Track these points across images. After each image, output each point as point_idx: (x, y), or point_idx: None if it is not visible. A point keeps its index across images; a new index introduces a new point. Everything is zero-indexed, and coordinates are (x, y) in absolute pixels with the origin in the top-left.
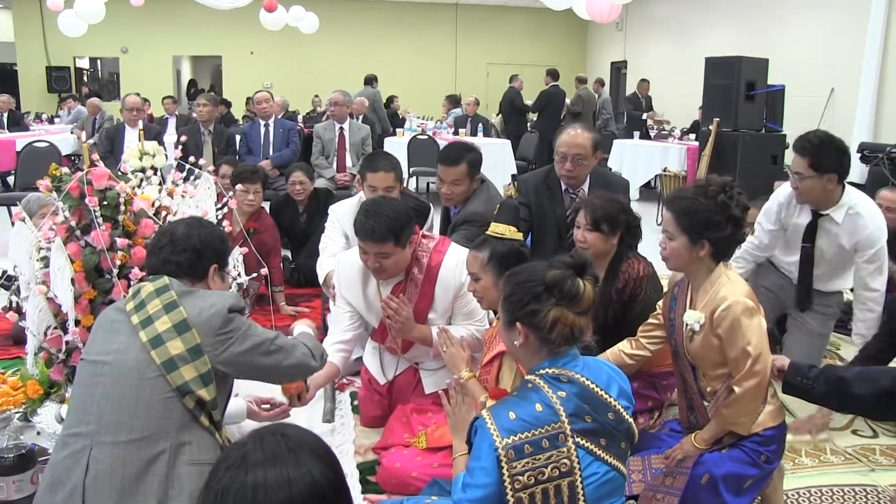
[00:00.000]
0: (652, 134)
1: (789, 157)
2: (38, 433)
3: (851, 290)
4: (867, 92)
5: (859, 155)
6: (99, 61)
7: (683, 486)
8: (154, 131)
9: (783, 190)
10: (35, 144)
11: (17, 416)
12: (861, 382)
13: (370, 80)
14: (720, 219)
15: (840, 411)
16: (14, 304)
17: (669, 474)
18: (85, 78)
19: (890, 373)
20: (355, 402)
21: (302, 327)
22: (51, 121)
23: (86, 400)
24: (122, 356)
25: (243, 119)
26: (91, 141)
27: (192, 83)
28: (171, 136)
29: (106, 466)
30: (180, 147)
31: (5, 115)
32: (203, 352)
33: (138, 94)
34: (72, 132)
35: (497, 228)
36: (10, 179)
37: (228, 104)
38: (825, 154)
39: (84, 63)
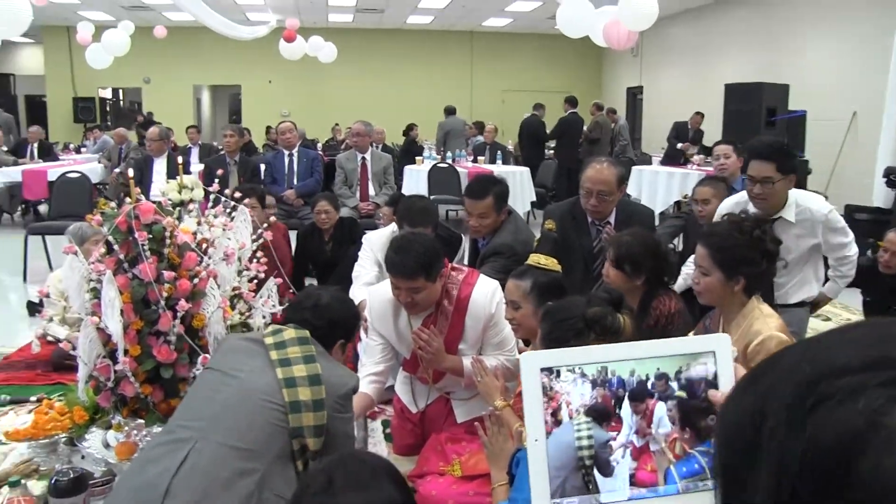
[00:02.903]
0: (690, 167)
1: (812, 182)
2: (83, 457)
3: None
4: (891, 115)
5: (885, 179)
6: (121, 91)
7: None
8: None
9: (727, 203)
10: (68, 175)
11: (63, 440)
12: None
13: (453, 111)
14: (755, 254)
15: None
16: (47, 333)
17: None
18: (107, 108)
19: None
20: (387, 431)
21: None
22: (77, 150)
23: (205, 401)
24: (253, 376)
25: (263, 148)
26: (118, 170)
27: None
28: (195, 165)
29: (204, 461)
30: (216, 180)
31: (35, 145)
32: (324, 407)
33: (159, 125)
34: (98, 161)
35: (538, 258)
36: (41, 208)
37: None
38: (787, 156)
39: (107, 93)
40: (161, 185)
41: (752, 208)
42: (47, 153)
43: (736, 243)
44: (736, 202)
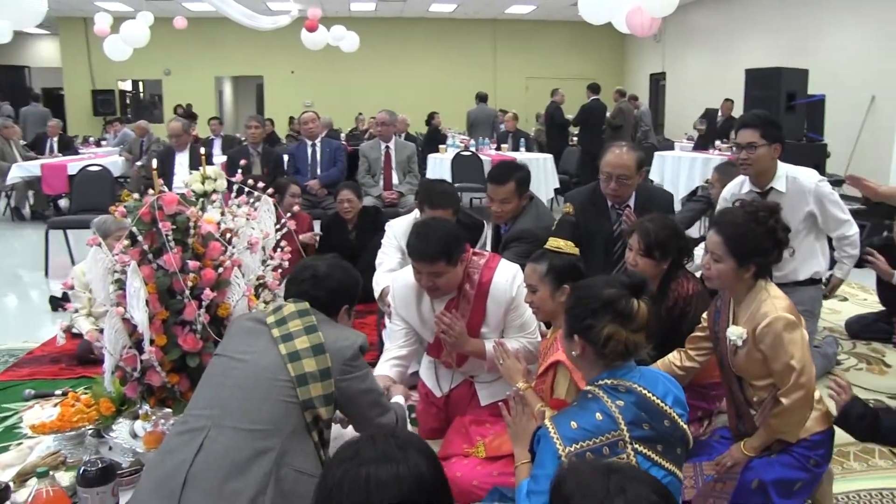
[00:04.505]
0: (713, 153)
1: (831, 166)
2: (111, 448)
3: (826, 282)
4: None
5: None
6: (141, 83)
7: (732, 490)
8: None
9: (730, 186)
10: (88, 168)
11: (90, 432)
12: None
13: (484, 98)
14: (769, 244)
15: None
16: (73, 326)
17: (720, 480)
18: (127, 100)
19: None
20: (413, 415)
21: (398, 397)
22: (98, 144)
23: (216, 388)
24: (259, 357)
25: (287, 139)
26: (139, 163)
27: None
28: (218, 157)
29: (220, 447)
30: (239, 171)
31: (55, 139)
32: (331, 375)
33: (180, 119)
34: (120, 154)
35: (556, 243)
36: (62, 202)
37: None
38: (771, 125)
39: (127, 85)
40: (184, 176)
41: (747, 186)
42: (67, 147)
43: (751, 233)
44: (735, 182)
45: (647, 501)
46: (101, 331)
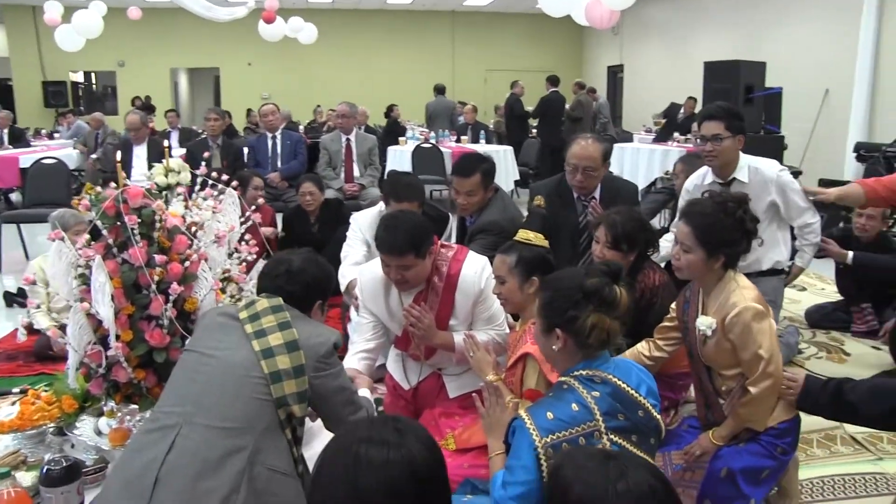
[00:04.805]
0: (671, 144)
1: (788, 157)
2: (73, 446)
3: (787, 270)
4: (861, 92)
5: (855, 154)
6: (94, 74)
7: (702, 481)
8: (161, 146)
9: (693, 178)
10: (43, 161)
11: (51, 430)
12: (869, 404)
13: (442, 90)
14: (738, 235)
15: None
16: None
17: (689, 469)
18: (80, 92)
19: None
20: (380, 409)
21: (364, 391)
22: (50, 136)
23: (188, 384)
24: (231, 353)
25: (244, 131)
26: (94, 156)
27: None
28: (176, 149)
29: (192, 445)
30: (203, 163)
31: (6, 131)
32: (305, 372)
33: (138, 112)
34: (74, 147)
35: (525, 234)
36: (13, 196)
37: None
38: (735, 117)
39: (79, 77)
40: (142, 170)
41: (710, 177)
42: (18, 139)
43: (720, 223)
44: (697, 174)
45: (646, 485)
46: (63, 327)
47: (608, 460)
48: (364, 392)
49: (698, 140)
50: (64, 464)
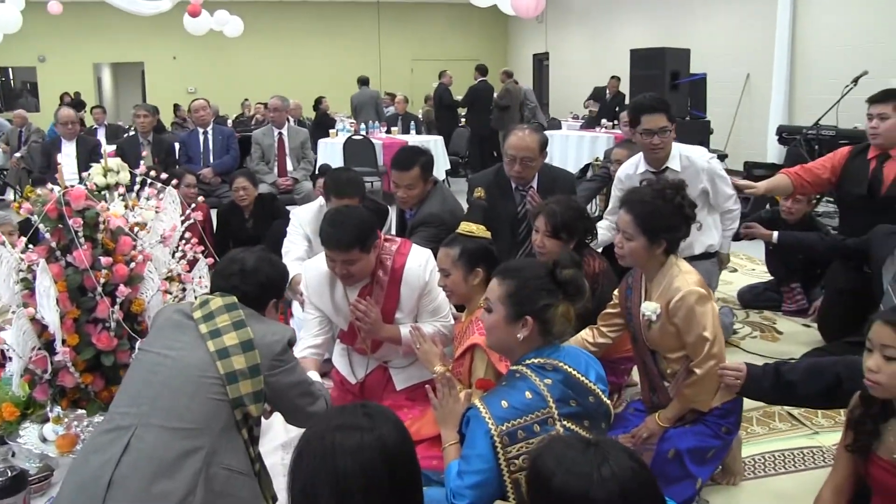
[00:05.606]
0: (599, 131)
1: (713, 142)
2: (14, 454)
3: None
4: (780, 77)
5: (777, 137)
6: (11, 70)
7: (650, 462)
8: (91, 143)
9: (625, 167)
10: None
11: None
12: (806, 383)
13: (366, 81)
14: (677, 221)
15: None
16: None
17: (636, 451)
18: None
19: (829, 369)
20: None
21: (315, 374)
22: None
23: (142, 384)
24: (186, 353)
25: (172, 126)
26: (18, 154)
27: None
28: (104, 146)
29: (147, 446)
30: (142, 161)
31: None
32: (260, 372)
33: (71, 106)
34: None
35: (468, 227)
36: None
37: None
38: (669, 107)
39: None
40: (72, 168)
41: (643, 166)
42: None
43: (659, 210)
44: (629, 163)
45: (629, 469)
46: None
47: (589, 447)
48: (314, 375)
49: (641, 133)
50: (9, 474)
